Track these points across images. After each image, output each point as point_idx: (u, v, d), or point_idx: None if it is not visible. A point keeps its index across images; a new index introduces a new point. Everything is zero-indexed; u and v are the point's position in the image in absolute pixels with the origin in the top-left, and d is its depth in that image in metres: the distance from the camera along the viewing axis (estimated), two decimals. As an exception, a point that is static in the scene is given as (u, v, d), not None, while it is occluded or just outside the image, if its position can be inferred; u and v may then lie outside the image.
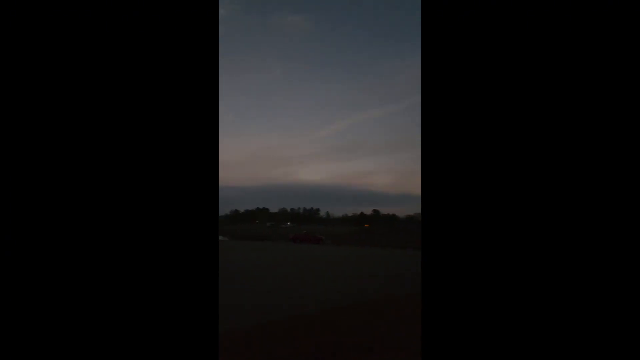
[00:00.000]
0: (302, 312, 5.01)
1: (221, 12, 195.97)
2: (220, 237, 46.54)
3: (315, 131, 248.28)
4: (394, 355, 3.34)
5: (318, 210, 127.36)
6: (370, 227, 68.04)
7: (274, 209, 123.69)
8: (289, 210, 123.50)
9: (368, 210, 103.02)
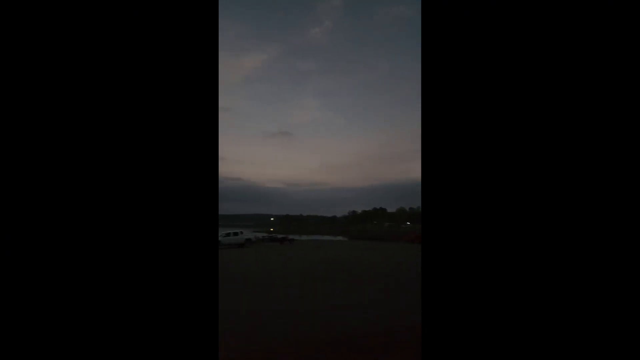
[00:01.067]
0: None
1: (326, 24, 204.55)
2: (339, 237, 48.71)
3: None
4: None
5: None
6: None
7: (391, 208, 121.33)
8: (407, 209, 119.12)
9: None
